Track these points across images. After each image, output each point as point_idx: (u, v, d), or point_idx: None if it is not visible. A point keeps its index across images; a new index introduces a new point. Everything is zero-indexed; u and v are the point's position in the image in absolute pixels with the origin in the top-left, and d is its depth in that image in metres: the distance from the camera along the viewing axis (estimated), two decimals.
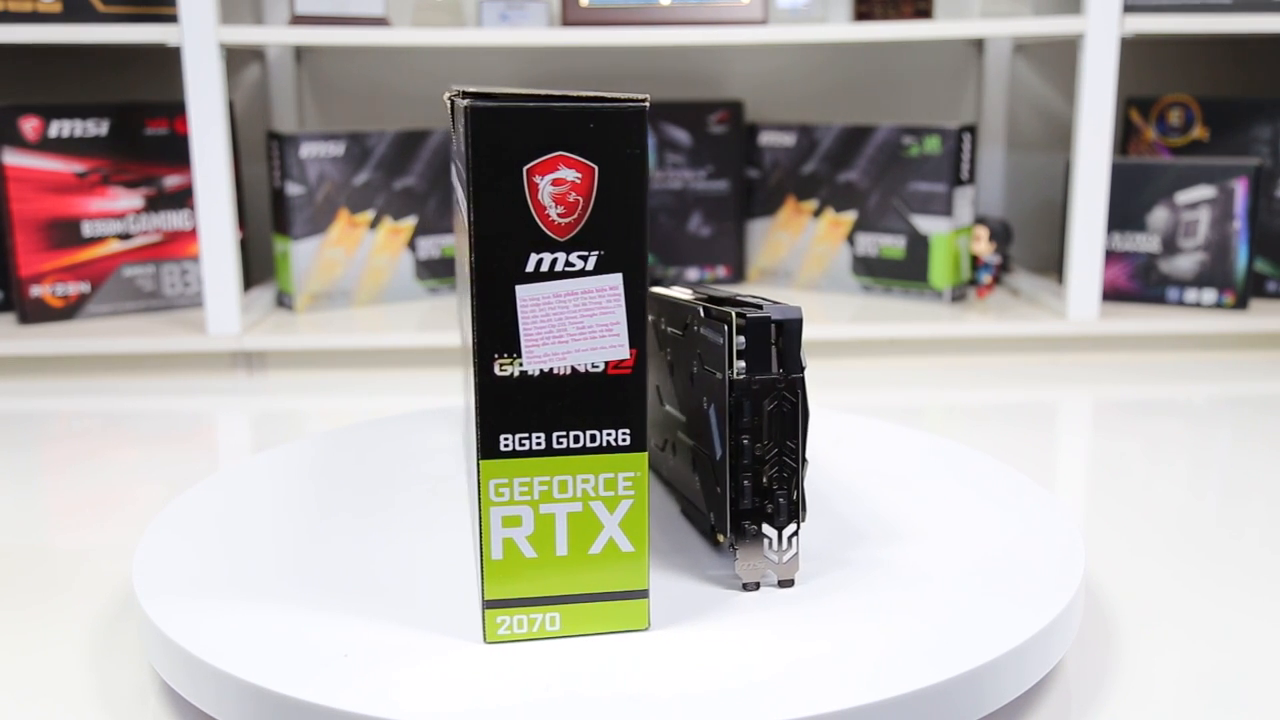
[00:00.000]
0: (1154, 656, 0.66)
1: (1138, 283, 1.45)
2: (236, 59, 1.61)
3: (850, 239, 1.52)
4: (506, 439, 0.54)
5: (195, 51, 1.24)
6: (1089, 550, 0.81)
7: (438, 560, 0.67)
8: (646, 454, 0.56)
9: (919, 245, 1.46)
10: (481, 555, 0.55)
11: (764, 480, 0.62)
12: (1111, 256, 1.46)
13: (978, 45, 1.66)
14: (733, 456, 0.62)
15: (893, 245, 1.49)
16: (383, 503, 0.76)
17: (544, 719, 0.50)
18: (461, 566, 0.66)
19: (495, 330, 0.53)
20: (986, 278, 1.50)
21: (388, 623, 0.59)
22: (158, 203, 1.42)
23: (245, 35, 1.25)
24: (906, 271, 1.48)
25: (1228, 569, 0.78)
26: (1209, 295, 1.41)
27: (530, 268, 0.53)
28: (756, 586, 0.63)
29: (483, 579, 0.56)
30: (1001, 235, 1.54)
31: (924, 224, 1.45)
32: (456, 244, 0.81)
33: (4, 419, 1.15)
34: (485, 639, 0.56)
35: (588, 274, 0.54)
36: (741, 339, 0.61)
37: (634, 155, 0.53)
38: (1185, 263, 1.42)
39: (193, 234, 1.44)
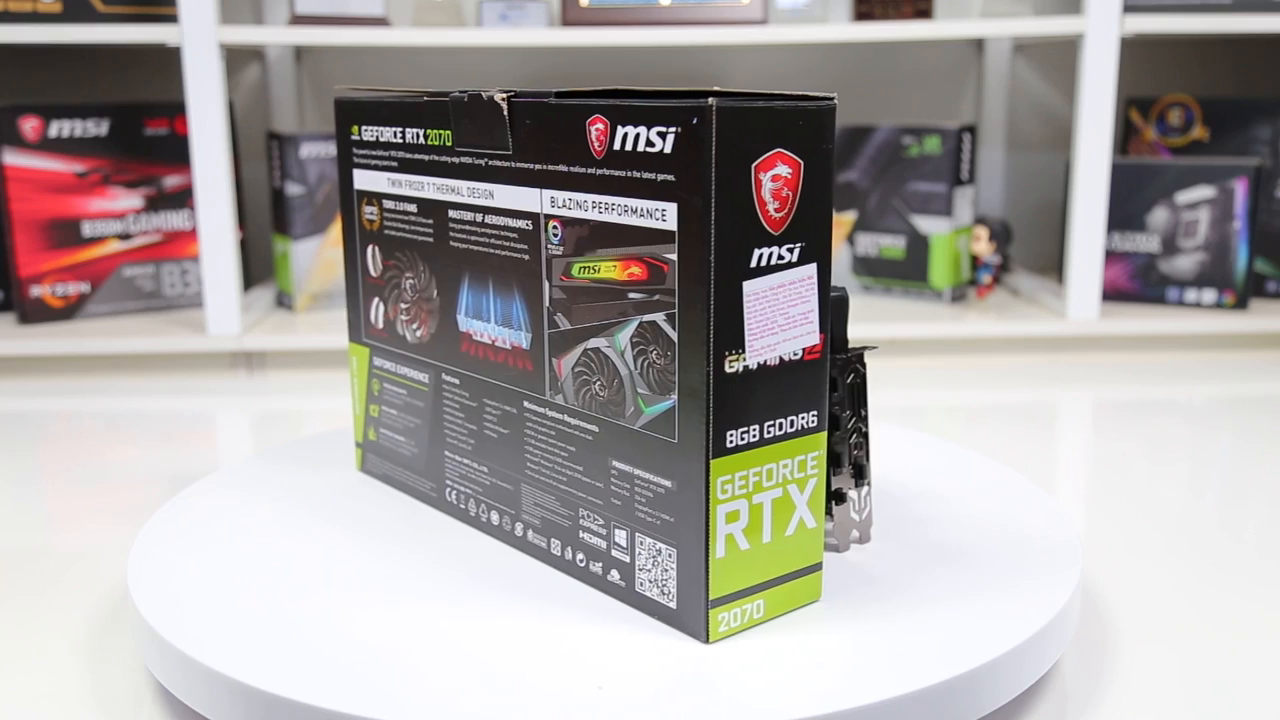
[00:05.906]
0: (1150, 657, 0.65)
1: (1138, 283, 1.45)
2: (236, 59, 1.61)
3: (850, 239, 1.52)
4: (732, 435, 0.55)
5: (195, 51, 1.24)
6: (1087, 551, 0.81)
7: (435, 559, 0.67)
8: (826, 432, 0.58)
9: (919, 245, 1.46)
10: (707, 555, 0.55)
11: (850, 447, 0.65)
12: (1111, 256, 1.46)
13: (978, 45, 1.66)
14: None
15: (893, 245, 1.49)
16: (380, 503, 0.76)
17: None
18: (458, 561, 0.66)
19: (727, 327, 0.54)
20: (986, 278, 1.50)
21: (389, 623, 0.59)
22: (158, 203, 1.42)
23: (245, 35, 1.25)
24: (906, 271, 1.48)
25: (1226, 570, 0.78)
26: (1209, 295, 1.41)
27: (753, 263, 0.54)
28: (846, 549, 0.66)
29: (707, 578, 0.56)
30: (1001, 235, 1.54)
31: (924, 224, 1.45)
32: (356, 244, 0.78)
33: (4, 419, 1.15)
34: (708, 639, 0.56)
35: (793, 265, 0.55)
36: None
37: (827, 150, 0.55)
38: (1185, 263, 1.42)
39: (193, 234, 1.44)
